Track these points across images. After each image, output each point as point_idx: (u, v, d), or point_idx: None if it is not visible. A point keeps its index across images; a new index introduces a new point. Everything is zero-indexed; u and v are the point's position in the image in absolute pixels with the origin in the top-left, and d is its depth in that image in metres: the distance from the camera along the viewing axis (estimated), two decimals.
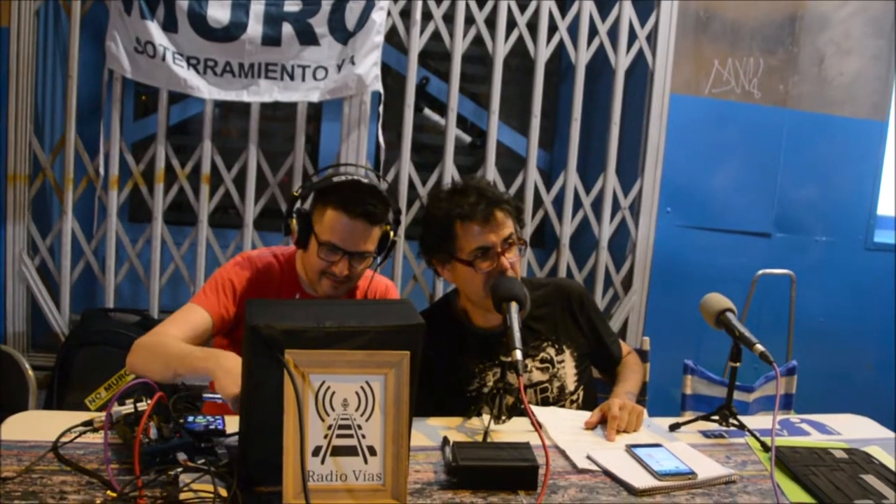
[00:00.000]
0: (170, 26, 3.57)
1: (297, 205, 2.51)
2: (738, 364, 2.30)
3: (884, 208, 4.72)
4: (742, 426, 2.27)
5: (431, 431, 2.18)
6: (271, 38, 3.64)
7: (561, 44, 4.05)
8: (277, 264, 2.60)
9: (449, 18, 3.94)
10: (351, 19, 3.69)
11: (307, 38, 3.68)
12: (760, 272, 4.31)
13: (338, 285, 2.46)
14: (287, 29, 3.64)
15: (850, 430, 2.47)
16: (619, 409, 2.32)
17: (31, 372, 3.09)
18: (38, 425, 2.01)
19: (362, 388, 1.69)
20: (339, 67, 3.73)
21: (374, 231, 2.43)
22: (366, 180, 2.48)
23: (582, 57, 4.08)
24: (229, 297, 2.50)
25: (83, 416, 2.02)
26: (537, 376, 2.58)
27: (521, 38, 4.01)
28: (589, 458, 2.06)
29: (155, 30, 3.54)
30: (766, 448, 2.17)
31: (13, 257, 3.73)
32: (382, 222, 2.45)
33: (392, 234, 2.50)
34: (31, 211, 3.73)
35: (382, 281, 2.74)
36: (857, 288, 4.62)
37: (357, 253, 2.42)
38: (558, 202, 4.18)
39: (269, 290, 2.55)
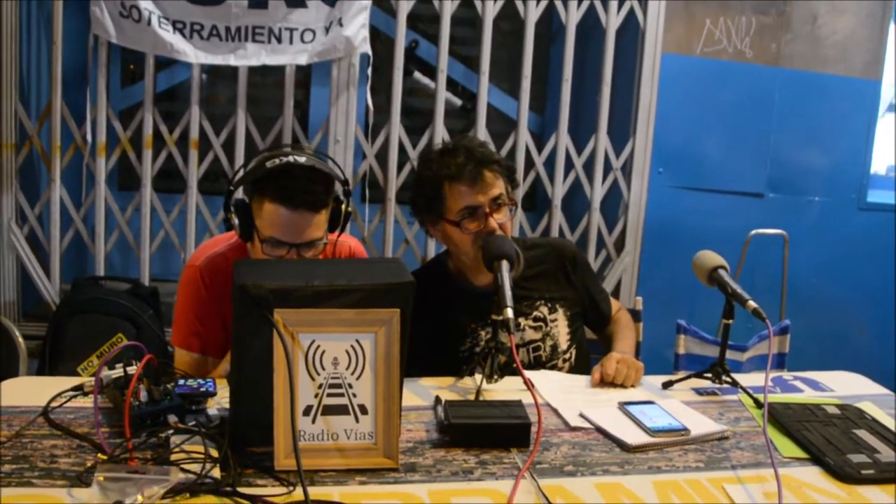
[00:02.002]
0: None
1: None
2: (730, 321, 2.29)
3: (877, 168, 4.71)
4: (735, 383, 2.27)
5: (423, 391, 2.17)
6: (258, 1, 3.60)
7: (551, 4, 4.01)
8: (224, 259, 2.44)
9: None
10: None
11: (294, 0, 3.64)
12: (753, 232, 4.31)
13: None
14: None
15: (842, 386, 2.47)
16: (616, 362, 2.32)
17: (21, 341, 3.07)
18: (28, 391, 2.00)
19: (352, 346, 1.69)
20: (327, 30, 3.69)
21: (319, 217, 2.24)
22: (301, 159, 2.25)
23: (572, 17, 4.04)
24: (199, 321, 2.42)
25: (74, 381, 2.01)
26: (530, 335, 2.58)
27: None
28: (581, 415, 2.05)
29: None
30: (758, 404, 2.17)
31: (2, 227, 3.71)
32: (327, 204, 2.28)
33: (344, 206, 2.34)
34: (19, 179, 3.70)
35: (346, 242, 2.59)
36: (850, 248, 4.62)
37: (304, 244, 2.24)
38: (549, 164, 4.16)
39: (226, 291, 2.30)
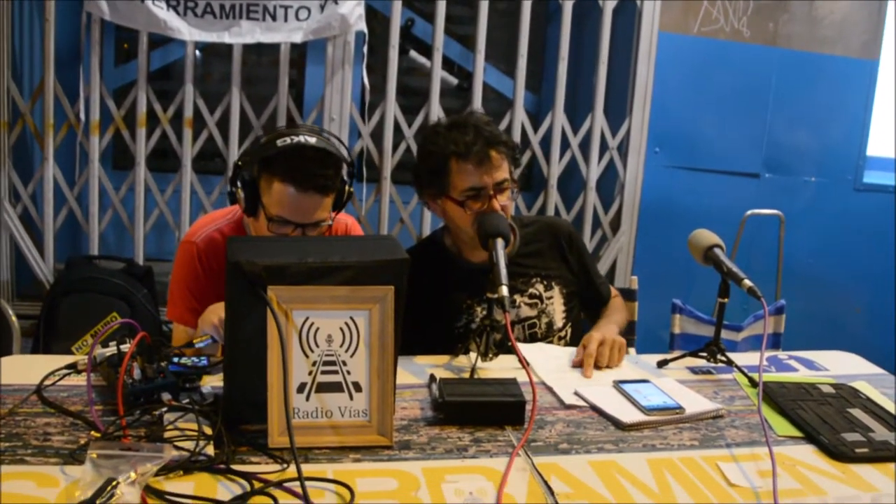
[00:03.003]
0: None
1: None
2: (726, 300, 2.28)
3: (874, 149, 4.70)
4: (730, 362, 2.27)
5: (418, 369, 2.17)
6: None
7: None
8: (221, 235, 2.44)
9: None
10: None
11: None
12: (749, 213, 4.30)
13: None
14: None
15: (837, 366, 2.47)
16: (598, 344, 2.31)
17: (15, 320, 3.06)
18: (22, 369, 1.99)
19: (346, 323, 1.68)
20: (322, 7, 3.67)
21: (328, 199, 2.26)
22: (312, 140, 2.25)
23: None
24: (195, 297, 2.42)
25: (67, 359, 2.01)
26: (526, 312, 2.57)
27: None
28: (576, 393, 2.05)
29: None
30: (753, 383, 2.17)
31: None
32: (336, 188, 2.28)
33: (348, 187, 2.35)
34: (12, 158, 3.68)
35: (342, 220, 2.59)
36: (846, 229, 4.62)
37: (310, 224, 2.26)
38: (545, 143, 4.15)
39: (223, 268, 2.35)
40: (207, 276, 2.43)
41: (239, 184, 2.29)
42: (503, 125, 4.06)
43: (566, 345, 2.61)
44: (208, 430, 1.66)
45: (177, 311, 2.48)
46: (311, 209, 2.24)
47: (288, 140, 2.23)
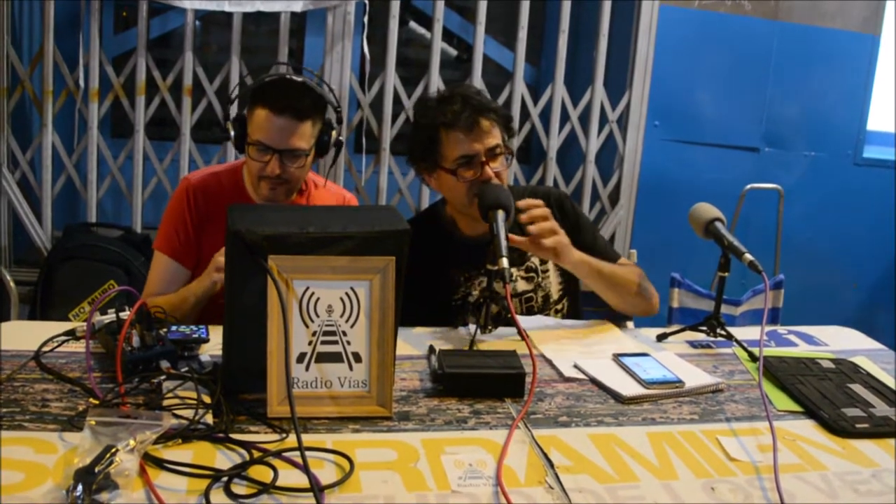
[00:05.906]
0: None
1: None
2: (726, 274, 2.27)
3: (874, 123, 4.69)
4: (730, 336, 2.26)
5: (417, 340, 2.16)
6: None
7: None
8: (217, 179, 2.57)
9: None
10: None
11: None
12: (748, 187, 4.30)
13: (275, 187, 2.42)
14: None
15: (837, 341, 2.47)
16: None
17: (13, 286, 3.06)
18: (20, 335, 1.98)
19: (347, 294, 1.67)
20: None
21: (304, 127, 2.38)
22: (298, 78, 2.42)
23: None
24: (176, 234, 2.51)
25: (65, 325, 2.00)
26: (522, 286, 2.57)
27: None
28: (576, 366, 2.05)
29: None
30: (753, 358, 2.17)
31: None
32: (312, 117, 2.40)
33: (335, 132, 2.48)
34: (10, 124, 3.66)
35: (340, 193, 2.70)
36: (845, 204, 4.62)
37: (287, 150, 2.37)
38: (545, 116, 4.13)
39: (219, 205, 2.50)
40: (192, 219, 2.52)
41: (230, 121, 2.45)
42: (503, 97, 4.04)
43: (563, 317, 2.61)
44: (207, 399, 1.66)
45: (162, 243, 2.56)
46: (287, 133, 2.36)
47: (275, 76, 2.43)
